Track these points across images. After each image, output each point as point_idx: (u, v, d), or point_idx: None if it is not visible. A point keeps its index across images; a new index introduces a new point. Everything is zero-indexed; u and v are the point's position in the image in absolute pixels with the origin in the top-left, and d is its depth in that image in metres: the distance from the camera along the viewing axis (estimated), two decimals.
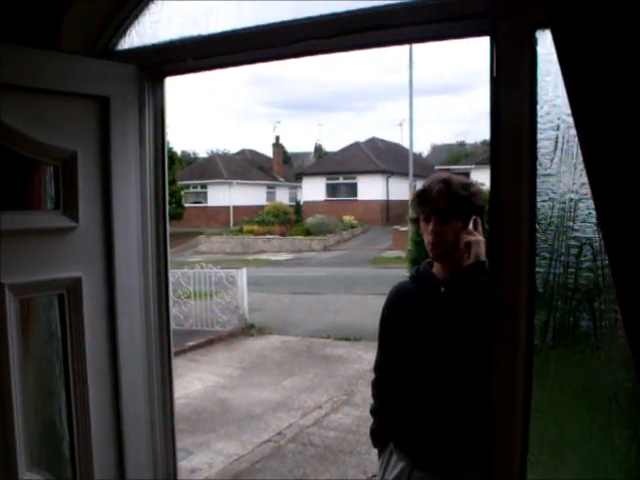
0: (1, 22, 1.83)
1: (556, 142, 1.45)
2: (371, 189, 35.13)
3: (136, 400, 2.09)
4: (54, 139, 1.86)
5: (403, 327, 2.26)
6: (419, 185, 2.38)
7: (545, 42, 1.42)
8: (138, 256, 2.10)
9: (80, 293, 1.93)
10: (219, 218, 37.06)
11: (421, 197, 2.18)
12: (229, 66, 2.09)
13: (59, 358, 1.94)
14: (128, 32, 2.07)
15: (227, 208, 37.65)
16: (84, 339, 1.94)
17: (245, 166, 42.06)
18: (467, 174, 20.61)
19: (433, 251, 2.18)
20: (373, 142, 40.16)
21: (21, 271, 1.81)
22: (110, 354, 2.02)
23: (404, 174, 29.82)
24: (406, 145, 32.70)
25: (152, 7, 2.02)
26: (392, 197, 34.92)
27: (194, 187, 39.31)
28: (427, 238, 2.17)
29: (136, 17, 2.04)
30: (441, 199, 2.12)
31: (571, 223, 1.44)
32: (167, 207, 2.19)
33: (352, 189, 36.42)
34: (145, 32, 2.06)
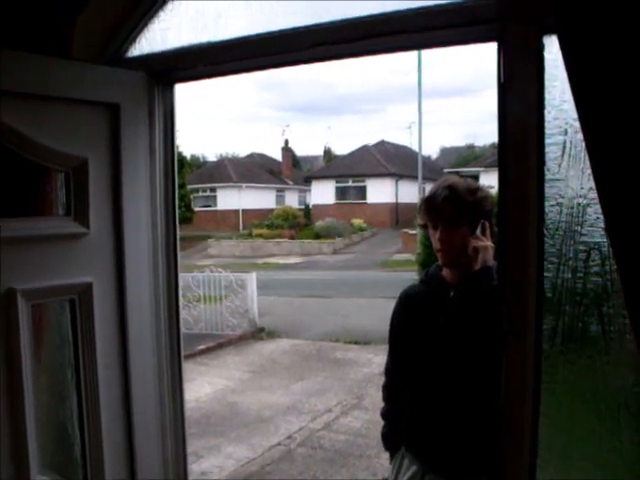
0: (12, 30, 1.85)
1: (564, 147, 1.45)
2: (380, 192, 35.10)
3: (147, 404, 2.10)
4: (65, 146, 1.87)
5: (413, 331, 2.27)
6: (428, 188, 2.38)
7: (552, 48, 1.42)
8: (148, 261, 2.11)
9: (91, 298, 1.95)
10: (228, 222, 37.12)
11: (427, 204, 2.17)
12: (238, 73, 2.10)
13: (70, 362, 1.95)
14: (138, 39, 2.08)
15: (236, 212, 37.71)
16: (95, 343, 1.95)
17: (254, 170, 42.11)
18: (476, 177, 20.58)
19: (442, 257, 2.18)
20: (382, 145, 40.13)
21: (33, 277, 1.83)
22: (121, 358, 2.04)
23: (413, 177, 29.81)
24: (415, 148, 32.73)
25: (161, 14, 2.04)
26: (401, 200, 34.87)
27: (203, 191, 39.41)
28: (435, 245, 2.17)
29: (146, 24, 2.05)
30: (447, 207, 2.10)
31: (579, 228, 1.44)
32: (177, 212, 2.20)
33: (361, 192, 36.40)
34: (155, 39, 2.07)
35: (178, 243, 2.20)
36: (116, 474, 2.01)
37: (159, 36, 2.06)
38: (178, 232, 2.20)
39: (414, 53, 26.63)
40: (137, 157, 2.05)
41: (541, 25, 1.43)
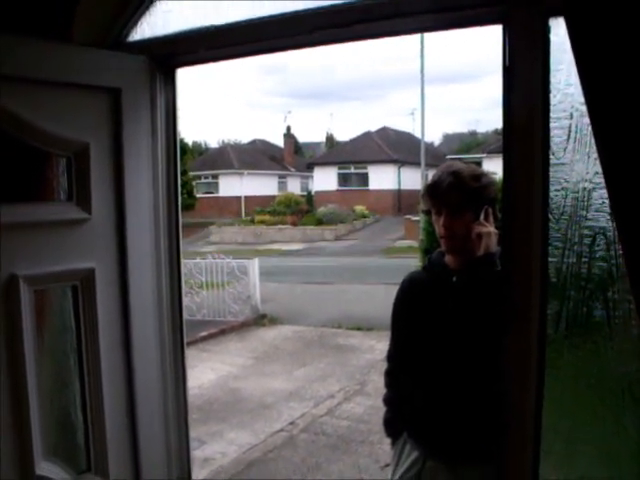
0: (13, 14, 1.84)
1: (569, 131, 1.44)
2: (383, 179, 35.05)
3: (150, 390, 2.10)
4: (66, 131, 1.86)
5: (415, 317, 2.26)
6: (431, 174, 2.36)
7: (558, 30, 1.40)
8: (151, 247, 2.10)
9: (93, 284, 1.95)
10: (231, 208, 37.09)
11: (431, 190, 2.17)
12: (240, 57, 2.09)
13: (73, 348, 1.95)
14: (139, 23, 2.06)
15: (239, 198, 37.67)
16: (98, 329, 1.95)
17: (256, 156, 42.03)
18: (479, 163, 20.53)
19: (445, 244, 2.17)
20: (384, 131, 40.01)
21: (35, 262, 1.82)
22: (123, 344, 2.04)
23: (416, 163, 29.71)
24: (417, 134, 32.53)
25: None
26: (404, 187, 34.81)
27: (205, 177, 39.35)
28: (439, 231, 2.16)
29: (147, 8, 2.03)
30: (452, 193, 2.10)
31: (584, 212, 1.43)
32: (179, 198, 2.19)
33: (364, 179, 36.35)
34: (156, 23, 2.05)
35: (181, 228, 2.19)
36: (119, 459, 2.02)
37: (161, 20, 2.04)
38: (180, 217, 2.19)
39: (414, 40, 26.56)
40: (139, 142, 2.05)
41: (547, 7, 1.41)
